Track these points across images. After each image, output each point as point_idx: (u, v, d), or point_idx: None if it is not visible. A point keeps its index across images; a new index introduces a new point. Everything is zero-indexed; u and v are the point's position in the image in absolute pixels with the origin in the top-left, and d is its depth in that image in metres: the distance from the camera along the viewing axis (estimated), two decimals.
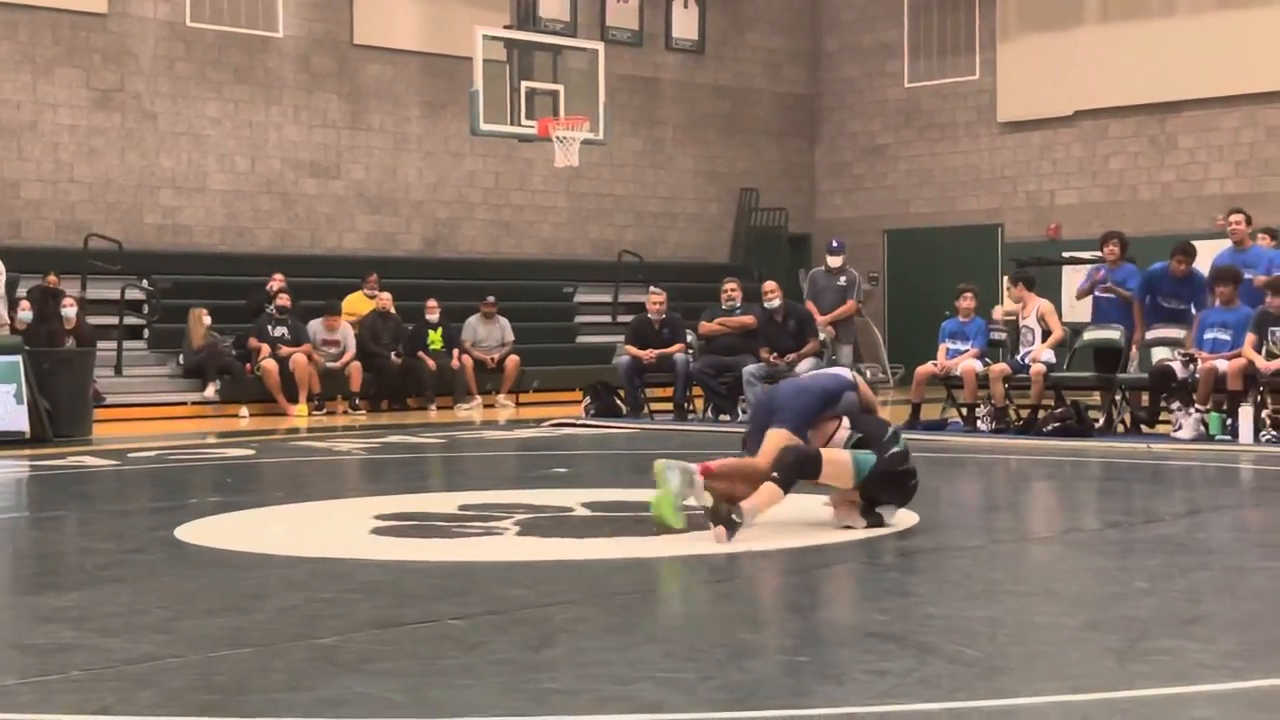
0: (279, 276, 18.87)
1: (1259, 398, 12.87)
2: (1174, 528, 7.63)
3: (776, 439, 7.39)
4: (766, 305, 15.41)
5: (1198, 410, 12.68)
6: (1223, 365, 12.56)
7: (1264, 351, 12.54)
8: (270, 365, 17.58)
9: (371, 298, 19.39)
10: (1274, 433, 12.43)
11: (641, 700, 4.16)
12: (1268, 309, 12.62)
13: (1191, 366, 12.74)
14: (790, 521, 7.48)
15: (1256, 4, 21.49)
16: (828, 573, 6.33)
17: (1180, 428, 12.66)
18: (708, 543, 6.87)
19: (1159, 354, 13.35)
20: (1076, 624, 5.22)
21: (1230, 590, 5.88)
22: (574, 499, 8.74)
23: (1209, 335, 12.95)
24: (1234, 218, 13.98)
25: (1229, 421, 12.46)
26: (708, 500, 7.24)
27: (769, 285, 15.67)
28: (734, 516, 6.96)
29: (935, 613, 5.45)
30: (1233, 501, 9.03)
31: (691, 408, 16.19)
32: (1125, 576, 6.34)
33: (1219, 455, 11.54)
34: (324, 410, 17.78)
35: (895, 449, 7.39)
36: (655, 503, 7.26)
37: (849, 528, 7.29)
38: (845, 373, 7.94)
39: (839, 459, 7.31)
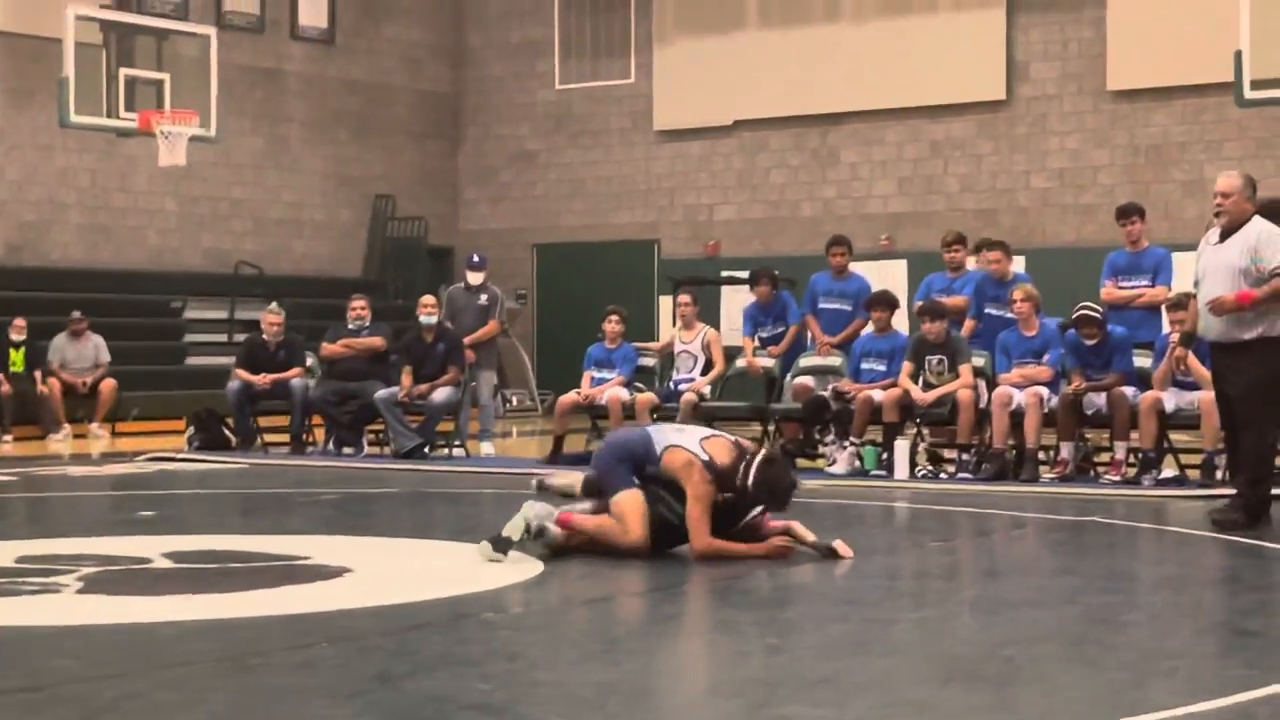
0: None
1: (916, 430, 13.28)
2: (815, 575, 7.70)
3: (624, 502, 7.89)
4: (423, 320, 15.14)
5: (852, 443, 12.98)
6: (878, 396, 12.89)
7: (920, 381, 12.92)
8: None
9: None
10: (930, 468, 12.82)
11: None
12: (924, 336, 13.01)
13: (842, 400, 13.03)
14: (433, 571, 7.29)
15: (920, 12, 22.35)
16: (434, 633, 6.13)
17: (834, 461, 12.93)
18: (305, 596, 6.64)
19: (806, 382, 13.63)
20: (695, 689, 5.15)
21: (866, 645, 5.92)
22: (155, 548, 8.33)
23: (865, 365, 13.28)
24: (954, 248, 13.98)
25: (884, 455, 12.79)
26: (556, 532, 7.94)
27: (426, 299, 15.39)
28: (508, 536, 7.72)
29: (544, 679, 5.31)
30: (882, 544, 9.21)
31: (311, 439, 15.79)
32: (756, 631, 6.33)
33: (872, 492, 11.82)
34: None
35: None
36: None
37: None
38: (663, 441, 8.09)
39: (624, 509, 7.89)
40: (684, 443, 8.01)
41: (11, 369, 18.32)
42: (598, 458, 8.49)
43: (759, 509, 7.96)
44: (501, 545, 7.79)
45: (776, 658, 5.77)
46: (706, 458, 7.88)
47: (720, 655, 5.87)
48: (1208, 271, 9.44)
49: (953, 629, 6.31)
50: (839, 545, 7.93)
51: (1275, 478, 9.73)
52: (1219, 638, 6.26)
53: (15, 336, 18.48)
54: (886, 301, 13.55)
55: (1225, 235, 9.43)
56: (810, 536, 8.08)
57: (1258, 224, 9.39)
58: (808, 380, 13.69)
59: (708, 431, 8.36)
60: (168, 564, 7.93)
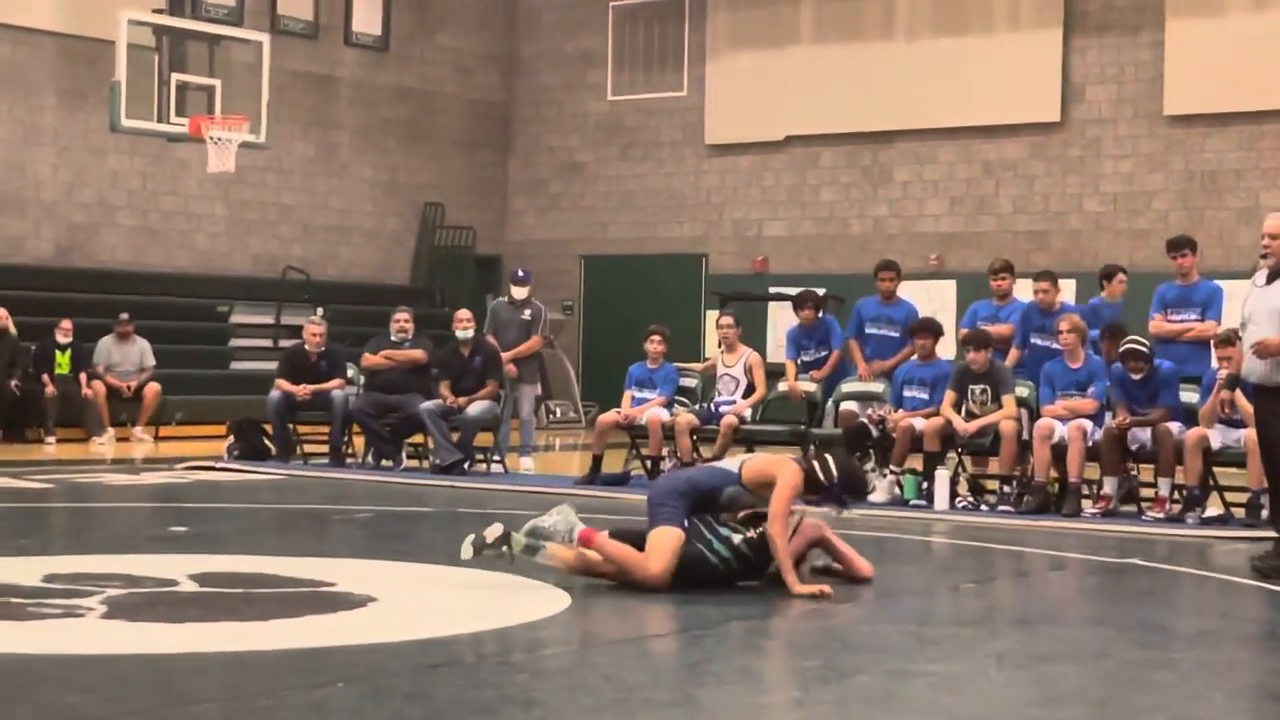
0: None
1: (958, 461, 13.14)
2: (843, 618, 7.59)
3: (660, 539, 7.85)
4: (459, 335, 15.12)
5: (893, 472, 12.86)
6: (920, 424, 12.76)
7: (963, 411, 12.78)
8: None
9: None
10: (971, 499, 12.68)
11: None
12: (969, 365, 12.87)
13: (882, 427, 12.91)
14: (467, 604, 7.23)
15: (976, 31, 22.18)
16: (452, 673, 6.06)
17: (874, 489, 12.79)
18: (326, 627, 6.66)
19: (851, 408, 13.51)
20: None
21: (886, 701, 5.82)
22: (182, 569, 8.31)
23: (907, 393, 13.15)
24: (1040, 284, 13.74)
25: (924, 485, 12.66)
26: (558, 559, 7.94)
27: (462, 314, 15.39)
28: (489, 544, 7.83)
29: None
30: (916, 584, 9.08)
31: (350, 451, 15.77)
32: (776, 680, 6.23)
33: (910, 524, 11.68)
34: None
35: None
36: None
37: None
38: (731, 467, 8.27)
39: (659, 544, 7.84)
40: (763, 454, 8.38)
41: (57, 371, 18.38)
42: (656, 488, 8.46)
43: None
44: (478, 546, 7.90)
45: (796, 713, 5.67)
46: (799, 464, 8.11)
47: (738, 708, 5.77)
48: (1254, 314, 9.29)
49: (977, 686, 6.19)
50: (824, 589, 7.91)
51: None
52: (1250, 702, 6.12)
53: (61, 339, 18.55)
54: (931, 329, 13.42)
55: (1273, 277, 9.29)
56: (844, 547, 8.23)
57: None
58: (852, 406, 13.57)
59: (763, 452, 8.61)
60: (193, 587, 7.89)
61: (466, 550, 7.95)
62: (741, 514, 8.09)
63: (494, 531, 7.90)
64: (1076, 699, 5.92)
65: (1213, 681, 6.42)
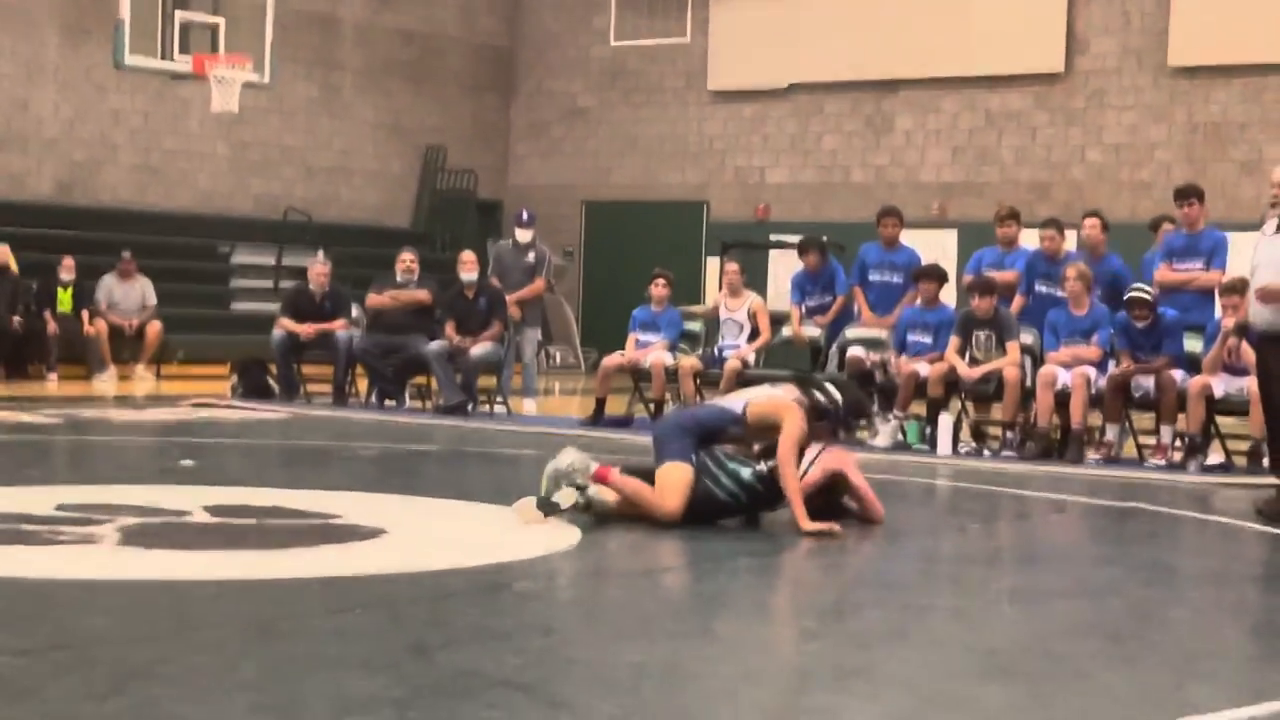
0: None
1: (961, 406, 13.17)
2: (852, 555, 7.63)
3: (669, 475, 7.85)
4: (464, 278, 15.12)
5: (896, 416, 12.89)
6: (924, 370, 12.79)
7: (967, 357, 12.81)
8: None
9: None
10: (973, 445, 12.72)
11: None
12: (973, 311, 12.89)
13: (885, 371, 12.94)
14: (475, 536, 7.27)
15: None
16: (469, 602, 6.10)
17: (876, 434, 12.84)
18: (341, 557, 6.66)
19: (858, 354, 13.52)
20: (730, 673, 5.09)
21: (902, 633, 5.85)
22: (195, 500, 8.32)
23: (911, 337, 13.17)
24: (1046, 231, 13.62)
25: (927, 431, 12.70)
26: (606, 497, 7.93)
27: (466, 256, 15.38)
28: (556, 501, 7.80)
29: (577, 656, 5.27)
30: (923, 525, 9.13)
31: (354, 391, 15.79)
32: (791, 614, 6.28)
33: (914, 468, 11.72)
34: None
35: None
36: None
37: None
38: (735, 407, 8.18)
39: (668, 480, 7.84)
40: (765, 391, 8.23)
41: (59, 309, 18.38)
42: (661, 425, 8.47)
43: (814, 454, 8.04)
44: (548, 508, 7.78)
45: (812, 644, 5.72)
46: (795, 396, 8.00)
47: (756, 639, 5.81)
48: (1263, 263, 9.31)
49: (991, 619, 6.24)
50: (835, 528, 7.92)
51: None
52: (1263, 640, 6.17)
53: (64, 276, 18.53)
54: (935, 274, 13.43)
55: None
56: (862, 484, 8.21)
57: None
58: (858, 351, 13.58)
59: (765, 387, 8.49)
60: (206, 518, 7.91)
61: (529, 509, 7.90)
62: (757, 447, 8.09)
63: (568, 497, 7.89)
64: (1089, 633, 5.96)
65: (1224, 619, 6.47)
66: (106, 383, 17.91)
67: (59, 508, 8.02)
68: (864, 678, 5.11)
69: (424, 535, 7.82)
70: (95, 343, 18.28)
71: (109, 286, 18.87)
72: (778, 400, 8.08)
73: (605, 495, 7.99)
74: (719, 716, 4.56)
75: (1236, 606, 6.84)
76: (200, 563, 6.71)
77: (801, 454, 7.94)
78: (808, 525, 7.81)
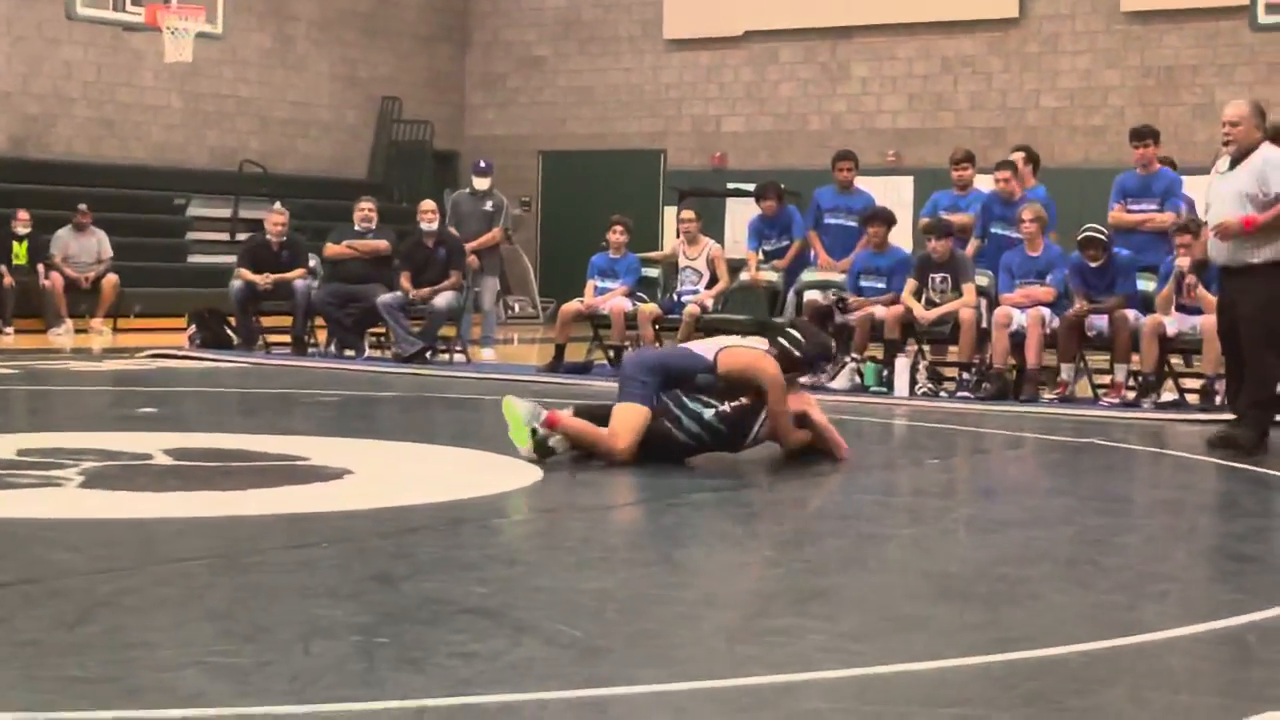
0: None
1: (918, 348, 13.29)
2: (812, 489, 7.74)
3: (624, 414, 7.90)
4: (424, 227, 15.13)
5: (853, 359, 12.99)
6: (880, 312, 12.89)
7: (923, 299, 12.91)
8: None
9: None
10: (930, 386, 12.83)
11: (180, 691, 3.91)
12: (929, 254, 12.99)
13: (843, 306, 13.05)
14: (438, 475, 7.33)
15: None
16: (433, 535, 6.17)
17: (834, 377, 12.93)
18: (304, 496, 6.75)
19: (816, 297, 13.61)
20: (692, 598, 5.19)
21: (860, 561, 5.96)
22: (156, 444, 8.36)
23: (864, 282, 13.27)
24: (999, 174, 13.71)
25: (884, 373, 12.81)
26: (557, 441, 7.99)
27: (426, 205, 15.39)
28: (551, 444, 7.86)
29: (541, 584, 5.35)
30: (880, 460, 9.25)
31: (313, 341, 15.81)
32: (753, 544, 6.38)
33: (871, 408, 11.83)
34: None
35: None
36: (513, 432, 7.92)
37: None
38: (707, 354, 8.21)
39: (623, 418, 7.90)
40: (738, 342, 8.31)
41: (14, 262, 18.31)
42: (628, 363, 8.54)
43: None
44: (543, 451, 7.91)
45: (772, 570, 5.82)
46: (764, 347, 8.11)
47: (717, 567, 5.91)
48: (1216, 198, 9.43)
49: (947, 547, 6.35)
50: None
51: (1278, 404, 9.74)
52: (1213, 562, 6.30)
53: (19, 230, 18.46)
54: (883, 218, 13.50)
55: (1235, 163, 9.42)
56: (823, 421, 8.34)
57: (1265, 150, 9.38)
58: (815, 295, 13.66)
59: (733, 337, 8.65)
60: (168, 460, 7.95)
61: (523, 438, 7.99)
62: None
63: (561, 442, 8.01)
64: (1043, 559, 6.08)
65: (1175, 544, 6.60)
66: (63, 336, 17.87)
67: (20, 453, 8.04)
68: (822, 600, 5.21)
69: (389, 475, 7.89)
70: (51, 296, 18.23)
71: (64, 240, 18.80)
72: (754, 354, 8.12)
73: (557, 441, 8.05)
74: (681, 638, 4.65)
75: (1188, 533, 6.97)
76: (164, 502, 6.76)
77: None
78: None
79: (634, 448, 7.91)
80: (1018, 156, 13.59)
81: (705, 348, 8.38)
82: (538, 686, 4.06)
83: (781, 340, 8.31)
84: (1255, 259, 9.30)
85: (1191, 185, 13.59)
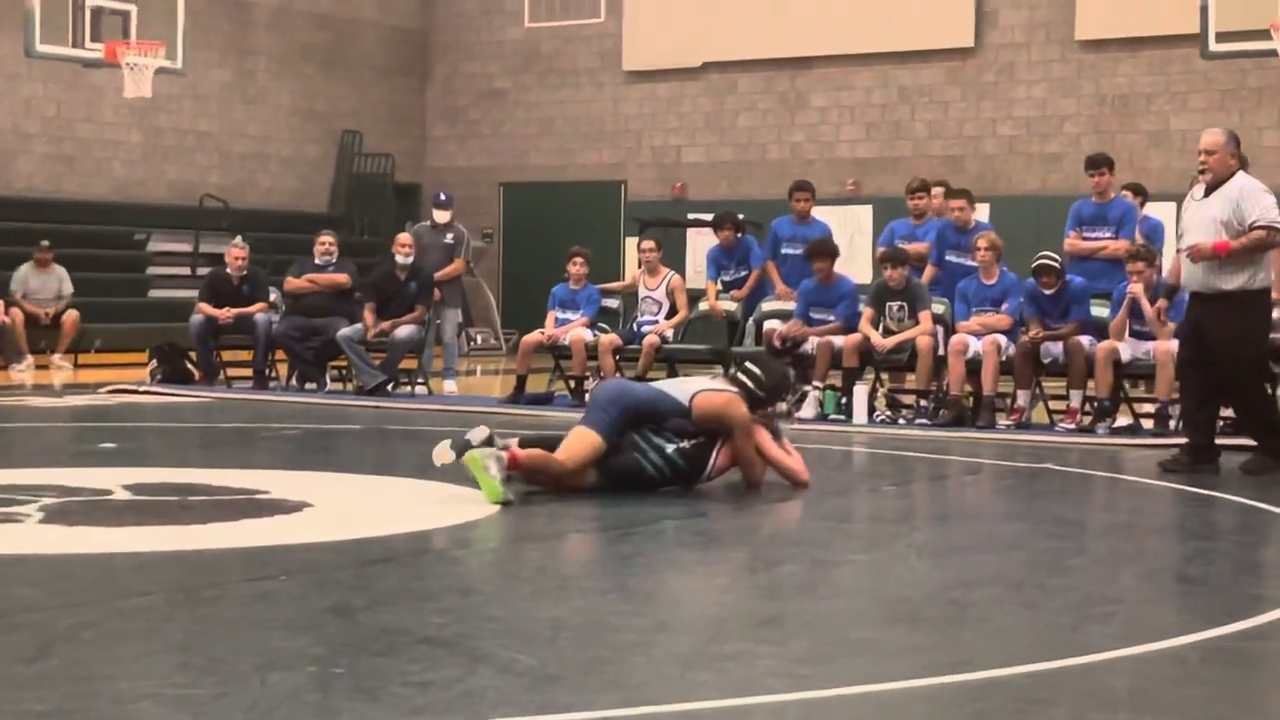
0: None
1: (875, 376, 13.40)
2: (767, 517, 7.83)
3: (577, 436, 8.05)
4: (399, 259, 15.19)
5: (815, 387, 13.10)
6: (838, 341, 13.01)
7: (880, 327, 13.04)
8: None
9: None
10: (889, 413, 12.95)
11: None
12: (887, 282, 13.12)
13: (792, 344, 13.17)
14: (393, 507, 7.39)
15: None
16: (392, 567, 6.24)
17: (799, 406, 13.03)
18: (264, 529, 6.82)
19: (770, 326, 13.71)
20: (645, 625, 5.27)
21: (812, 586, 6.05)
22: (116, 480, 8.41)
23: (814, 314, 13.40)
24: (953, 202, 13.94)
25: (843, 400, 12.92)
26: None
27: (403, 238, 15.48)
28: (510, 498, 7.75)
29: (496, 614, 5.42)
30: (837, 487, 9.34)
31: (274, 374, 15.84)
32: (706, 571, 6.47)
33: (830, 436, 11.93)
34: None
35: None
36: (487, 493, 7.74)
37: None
38: (683, 398, 8.37)
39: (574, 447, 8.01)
40: (710, 386, 8.53)
41: None
42: (602, 390, 8.71)
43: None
44: (460, 447, 7.94)
45: (725, 596, 5.90)
46: (735, 391, 8.36)
47: (670, 593, 6.00)
48: (1190, 226, 9.57)
49: (899, 572, 6.45)
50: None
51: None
52: (1159, 584, 6.41)
53: None
54: (826, 251, 13.59)
55: (1209, 191, 9.56)
56: (775, 453, 8.46)
57: (1241, 179, 9.54)
58: (774, 324, 13.76)
59: (703, 379, 9.05)
60: (128, 495, 8.00)
61: (444, 454, 8.00)
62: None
63: (480, 433, 7.97)
64: (993, 582, 6.18)
65: (1122, 566, 6.71)
66: (24, 372, 17.85)
67: None
68: (773, 625, 5.30)
69: (348, 508, 7.94)
70: (11, 332, 18.21)
71: (25, 276, 18.79)
72: (726, 397, 8.35)
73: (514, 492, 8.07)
74: (634, 664, 4.72)
75: (1135, 555, 7.08)
76: (124, 537, 6.81)
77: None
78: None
79: (580, 467, 8.01)
80: (960, 203, 13.63)
81: (681, 390, 8.51)
82: (491, 713, 4.14)
83: (742, 377, 8.52)
84: (1229, 285, 9.45)
85: (1153, 210, 13.80)
